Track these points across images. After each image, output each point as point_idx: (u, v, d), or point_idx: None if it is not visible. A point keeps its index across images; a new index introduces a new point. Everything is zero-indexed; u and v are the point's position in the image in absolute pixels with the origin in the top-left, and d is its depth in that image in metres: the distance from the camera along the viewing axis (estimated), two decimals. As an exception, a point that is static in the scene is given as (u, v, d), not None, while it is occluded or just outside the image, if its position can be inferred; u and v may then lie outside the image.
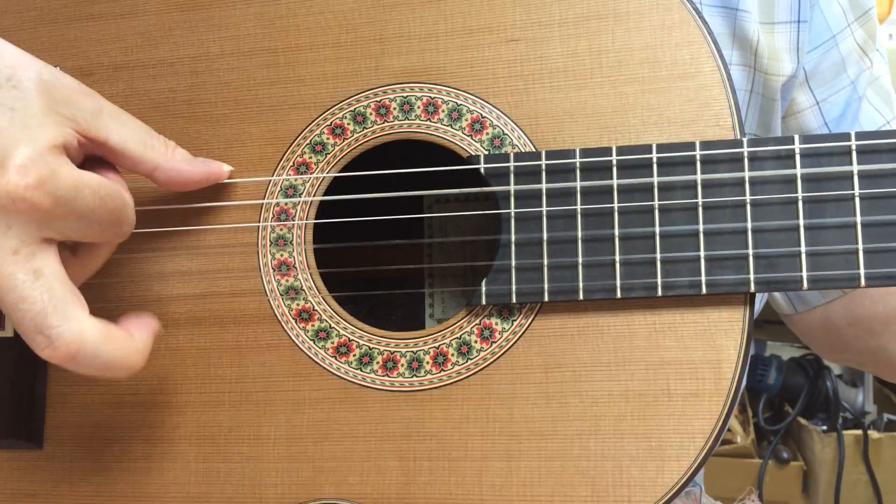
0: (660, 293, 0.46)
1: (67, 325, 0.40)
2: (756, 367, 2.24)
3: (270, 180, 0.52)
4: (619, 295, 0.47)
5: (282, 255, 0.51)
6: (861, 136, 0.45)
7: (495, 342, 0.49)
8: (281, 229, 0.52)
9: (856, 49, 0.64)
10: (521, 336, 0.49)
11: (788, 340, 2.23)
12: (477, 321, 0.49)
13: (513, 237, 0.48)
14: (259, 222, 0.52)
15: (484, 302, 0.48)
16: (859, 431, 2.01)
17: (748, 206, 0.45)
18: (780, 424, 2.14)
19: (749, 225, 0.45)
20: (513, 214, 0.48)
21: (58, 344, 0.40)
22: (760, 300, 0.69)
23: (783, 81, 0.60)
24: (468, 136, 0.50)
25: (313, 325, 0.51)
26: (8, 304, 0.40)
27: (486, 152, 0.50)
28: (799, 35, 0.60)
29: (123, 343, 0.43)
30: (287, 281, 0.51)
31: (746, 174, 0.45)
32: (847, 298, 0.66)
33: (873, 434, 2.00)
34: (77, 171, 0.42)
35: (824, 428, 2.06)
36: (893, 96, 0.67)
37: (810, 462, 2.08)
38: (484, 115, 0.50)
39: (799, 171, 0.45)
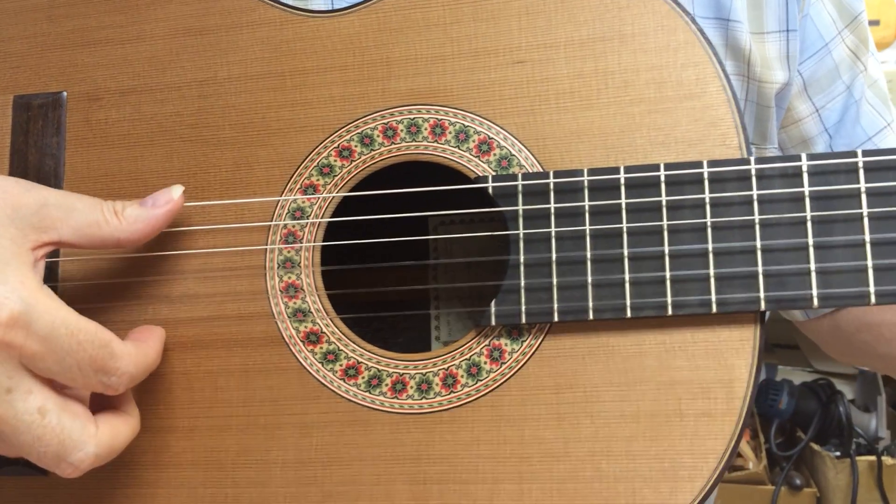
0: (670, 312, 0.47)
1: (85, 451, 0.44)
2: (768, 392, 2.24)
3: (278, 202, 0.53)
4: (629, 314, 0.48)
5: (289, 278, 0.53)
6: (868, 153, 0.46)
7: (505, 363, 0.50)
8: (288, 251, 0.53)
9: (848, 55, 0.66)
10: (531, 357, 0.50)
11: (800, 365, 2.24)
12: (486, 342, 0.50)
13: (522, 257, 0.49)
14: (266, 245, 0.53)
15: (493, 322, 0.49)
16: (873, 457, 2.00)
17: (757, 225, 0.47)
18: (793, 450, 2.14)
19: (758, 243, 0.46)
20: (521, 235, 0.49)
21: (84, 466, 0.45)
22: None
23: (777, 89, 0.61)
24: (476, 157, 0.52)
25: (321, 348, 0.52)
26: (23, 445, 0.43)
27: (494, 173, 0.51)
28: (789, 44, 0.61)
29: (127, 427, 0.48)
30: (295, 303, 0.52)
31: (755, 192, 0.47)
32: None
33: (887, 460, 2.00)
34: (55, 306, 0.43)
35: (837, 454, 2.06)
36: (890, 99, 0.69)
37: (823, 489, 2.07)
38: (491, 136, 0.52)
39: (807, 189, 0.46)
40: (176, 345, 0.53)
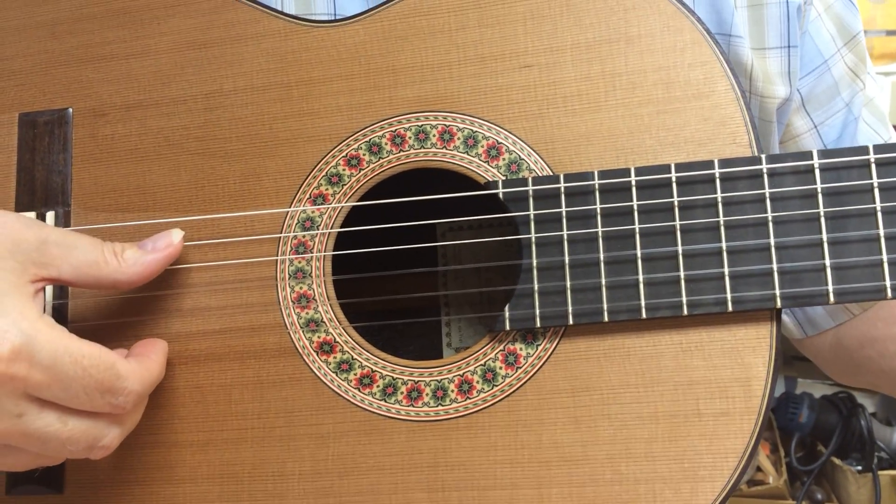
0: (685, 312, 0.49)
1: (111, 435, 0.48)
2: (787, 406, 2.24)
3: (288, 212, 0.55)
4: (644, 315, 0.49)
5: (301, 288, 0.54)
6: (879, 149, 0.48)
7: (521, 367, 0.51)
8: (299, 262, 0.55)
9: (847, 73, 0.68)
10: (546, 360, 0.51)
11: (820, 378, 2.25)
12: (501, 347, 0.52)
13: (535, 261, 0.51)
14: (277, 255, 0.55)
15: (508, 327, 0.51)
16: (895, 472, 2.01)
17: (770, 223, 0.48)
18: (814, 465, 2.15)
19: (772, 241, 0.48)
20: (533, 239, 0.51)
21: (114, 445, 0.48)
22: None
23: (778, 104, 0.63)
24: (485, 162, 0.54)
25: (335, 357, 0.53)
26: (53, 449, 0.46)
27: (504, 178, 0.53)
28: (790, 60, 0.63)
29: (154, 361, 0.51)
30: (307, 313, 0.54)
31: (767, 191, 0.48)
32: (858, 321, 0.69)
33: (910, 475, 2.01)
34: (56, 335, 0.44)
35: (859, 468, 2.06)
36: (888, 117, 0.71)
37: (845, 503, 2.08)
38: (500, 140, 0.54)
39: (819, 185, 0.48)
40: (189, 358, 0.54)
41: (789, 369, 2.26)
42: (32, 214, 0.56)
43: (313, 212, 0.55)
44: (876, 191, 0.47)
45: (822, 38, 0.67)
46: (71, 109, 0.58)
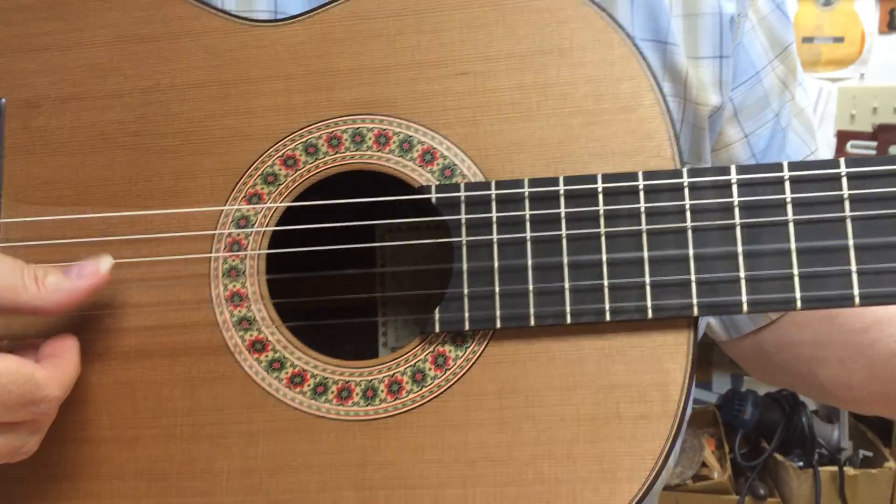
0: (608, 318, 0.52)
1: (32, 442, 0.49)
2: (733, 403, 2.32)
3: (222, 210, 0.56)
4: (569, 320, 0.52)
5: (234, 286, 0.56)
6: (793, 166, 0.51)
7: (449, 369, 0.54)
8: (233, 260, 0.56)
9: (777, 84, 0.72)
10: (474, 363, 0.54)
11: (764, 375, 2.31)
12: (431, 349, 0.54)
13: (465, 265, 0.53)
14: (211, 253, 0.56)
15: (438, 329, 0.53)
16: (835, 468, 2.09)
17: (689, 233, 0.51)
18: (757, 460, 2.22)
19: (691, 251, 0.51)
20: (464, 243, 0.53)
21: (34, 449, 0.49)
22: (700, 325, 0.75)
23: (710, 112, 0.67)
24: (419, 166, 0.56)
25: (267, 356, 0.55)
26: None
27: (438, 182, 0.55)
28: (722, 70, 0.67)
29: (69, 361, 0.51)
30: (240, 312, 0.56)
31: (687, 203, 0.51)
32: (776, 325, 0.73)
33: (849, 470, 2.09)
34: None
35: (800, 464, 2.14)
36: (816, 127, 0.75)
37: (787, 498, 2.15)
38: (434, 146, 0.56)
39: (736, 199, 0.51)
40: (119, 354, 0.55)
41: (735, 367, 2.33)
42: (-40, 206, 0.57)
43: (248, 210, 0.56)
44: (789, 206, 0.50)
45: (754, 50, 0.70)
46: (4, 100, 0.59)
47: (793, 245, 0.50)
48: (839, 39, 2.46)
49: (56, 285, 0.49)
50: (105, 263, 0.51)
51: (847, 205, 0.50)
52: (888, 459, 2.11)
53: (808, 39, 2.43)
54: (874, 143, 2.49)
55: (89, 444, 0.54)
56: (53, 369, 0.49)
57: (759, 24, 0.71)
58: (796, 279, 0.50)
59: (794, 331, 0.72)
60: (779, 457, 2.18)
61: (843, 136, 2.56)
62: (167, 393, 0.55)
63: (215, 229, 0.56)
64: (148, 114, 0.58)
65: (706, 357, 2.51)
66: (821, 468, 2.08)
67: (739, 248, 0.50)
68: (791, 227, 0.50)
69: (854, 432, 2.19)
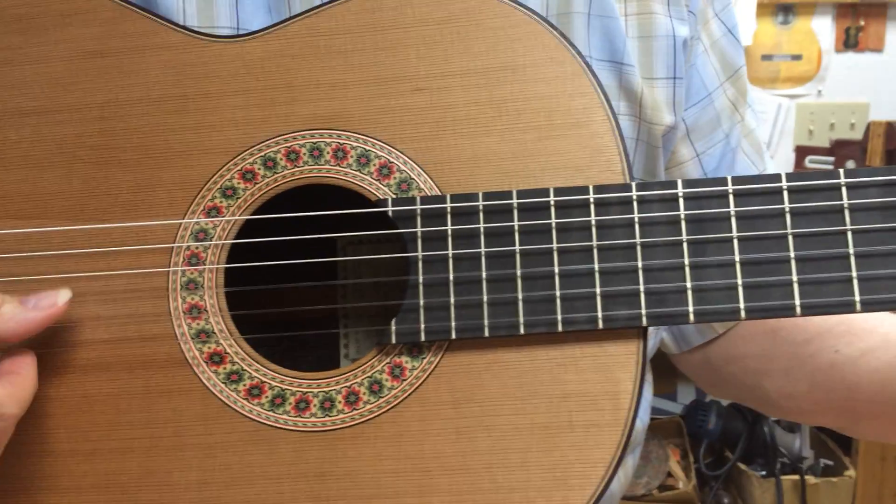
0: (560, 329, 0.53)
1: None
2: (697, 413, 2.35)
3: (181, 224, 0.57)
4: (522, 331, 0.53)
5: (193, 299, 0.56)
6: (736, 180, 0.53)
7: (405, 380, 0.55)
8: (192, 273, 0.57)
9: (728, 105, 0.74)
10: (430, 373, 0.55)
11: (727, 385, 2.35)
12: (388, 360, 0.55)
13: (420, 278, 0.54)
14: (170, 267, 0.57)
15: (394, 341, 0.54)
16: (797, 476, 2.13)
17: (638, 246, 0.53)
18: (721, 470, 2.25)
19: (640, 263, 0.53)
20: (420, 256, 0.55)
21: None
22: (655, 338, 0.77)
23: (663, 131, 0.69)
24: (377, 180, 0.57)
25: (225, 368, 0.55)
26: None
27: (394, 196, 0.56)
28: (675, 91, 0.69)
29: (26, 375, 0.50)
30: (198, 324, 0.56)
31: (636, 216, 0.53)
32: (724, 338, 0.75)
33: (810, 479, 2.13)
34: None
35: (763, 473, 2.18)
36: (764, 149, 0.78)
37: (750, 508, 2.18)
38: (391, 160, 0.57)
39: (683, 212, 0.53)
40: (76, 367, 0.56)
41: (699, 378, 2.35)
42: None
43: (207, 224, 0.57)
44: (733, 219, 0.52)
45: (707, 72, 0.72)
46: None
47: (737, 257, 0.52)
48: (797, 57, 2.53)
49: (12, 314, 0.50)
50: (63, 296, 0.52)
51: (788, 218, 0.52)
52: (848, 468, 2.15)
53: (767, 57, 2.49)
54: (832, 159, 2.55)
55: (47, 458, 0.54)
56: (10, 387, 0.49)
57: (712, 47, 0.73)
58: (740, 290, 0.52)
59: (740, 344, 0.74)
60: (742, 466, 2.21)
61: (801, 152, 2.62)
62: (125, 406, 0.55)
63: (174, 242, 0.56)
64: (106, 128, 0.58)
65: (671, 369, 2.53)
66: (783, 477, 2.12)
67: (686, 260, 0.52)
68: (735, 240, 0.52)
69: (815, 441, 2.23)
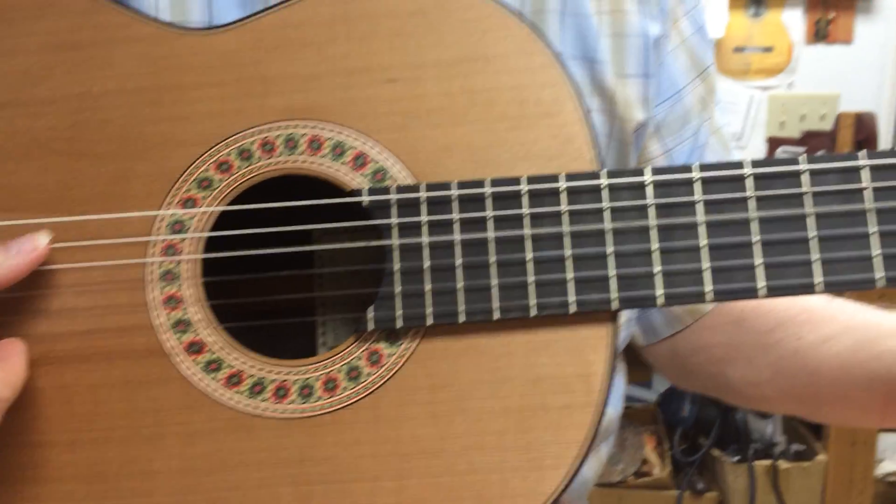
0: (534, 313, 0.55)
1: None
2: (671, 401, 2.39)
3: (157, 215, 0.58)
4: (496, 316, 0.55)
5: (170, 290, 0.57)
6: (703, 167, 0.55)
7: (384, 366, 0.56)
8: (169, 264, 0.57)
9: (697, 102, 0.76)
10: (407, 359, 0.56)
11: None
12: (365, 346, 0.56)
13: (396, 266, 0.55)
14: (146, 258, 0.58)
15: (371, 327, 0.55)
16: (769, 462, 2.17)
17: (608, 232, 0.54)
18: (695, 456, 2.29)
19: (610, 249, 0.54)
20: (395, 244, 0.56)
21: None
22: (626, 330, 0.79)
23: (635, 127, 0.70)
24: (352, 170, 0.58)
25: (204, 357, 0.56)
26: None
27: (369, 185, 0.57)
28: (647, 87, 0.70)
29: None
30: (176, 314, 0.57)
31: (606, 203, 0.55)
32: (690, 330, 0.77)
33: (782, 464, 2.17)
34: None
35: (737, 458, 2.22)
36: (732, 145, 0.80)
37: (724, 492, 2.22)
38: (366, 150, 0.58)
39: (651, 199, 0.54)
40: (55, 359, 0.56)
41: (674, 366, 2.38)
42: None
43: (183, 215, 0.58)
44: (699, 205, 0.54)
45: (677, 70, 0.74)
46: None
47: (703, 241, 0.53)
48: (769, 49, 2.56)
49: None
50: (42, 238, 0.54)
51: (752, 203, 0.53)
52: (819, 453, 2.20)
53: (739, 49, 2.53)
54: (803, 149, 2.59)
55: (27, 448, 0.55)
56: (3, 373, 0.50)
57: (682, 45, 0.75)
58: (707, 273, 0.53)
59: (706, 335, 0.76)
60: (716, 452, 2.25)
61: (773, 143, 2.66)
62: (104, 396, 0.56)
63: (150, 234, 0.57)
64: (81, 120, 0.59)
65: (646, 357, 2.56)
66: (755, 462, 2.16)
67: (654, 245, 0.54)
68: (701, 225, 0.54)
69: (787, 427, 2.27)
